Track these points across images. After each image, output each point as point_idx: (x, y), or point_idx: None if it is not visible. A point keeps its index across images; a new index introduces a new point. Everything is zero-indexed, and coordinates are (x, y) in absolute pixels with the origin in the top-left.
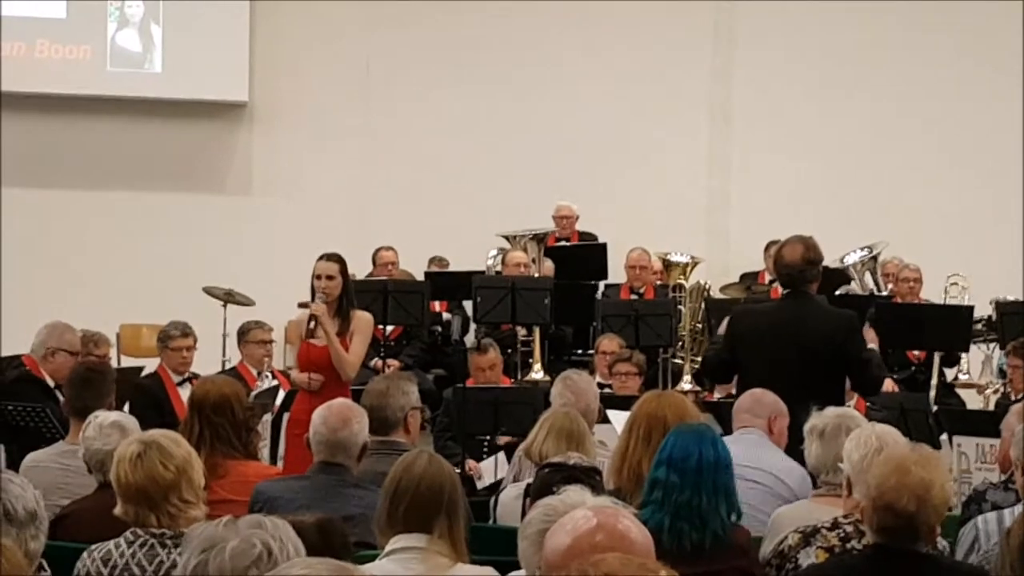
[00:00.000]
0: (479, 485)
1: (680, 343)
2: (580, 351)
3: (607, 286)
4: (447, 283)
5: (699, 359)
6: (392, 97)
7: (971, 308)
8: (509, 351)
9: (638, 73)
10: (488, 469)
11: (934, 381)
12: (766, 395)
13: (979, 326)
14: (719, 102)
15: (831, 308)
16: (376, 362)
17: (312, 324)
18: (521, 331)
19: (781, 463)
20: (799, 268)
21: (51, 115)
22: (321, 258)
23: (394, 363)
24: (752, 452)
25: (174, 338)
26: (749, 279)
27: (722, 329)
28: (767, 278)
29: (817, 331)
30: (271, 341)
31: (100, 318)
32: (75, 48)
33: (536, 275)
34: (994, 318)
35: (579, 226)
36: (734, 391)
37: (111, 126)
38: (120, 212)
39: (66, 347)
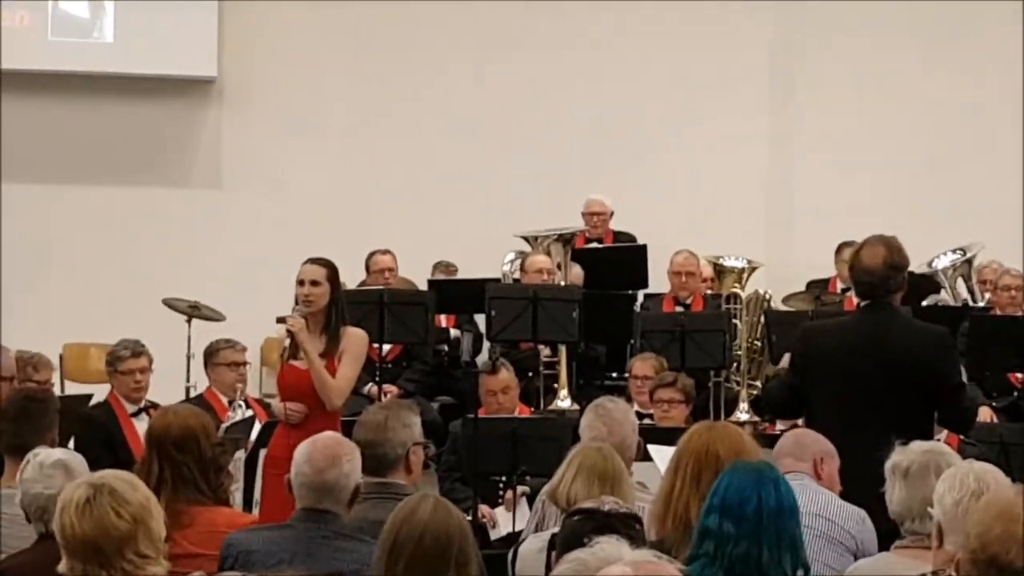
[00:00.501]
0: (494, 535)
1: (735, 364)
2: (615, 374)
3: (647, 296)
4: (455, 293)
5: (757, 383)
6: (392, 75)
7: None
8: (530, 375)
9: (684, 45)
10: (505, 516)
11: None
12: (808, 435)
13: None
14: (782, 78)
15: (918, 322)
16: (371, 388)
17: (289, 342)
18: (544, 351)
19: (834, 504)
20: (881, 275)
21: None
22: (306, 262)
23: (392, 389)
24: (799, 498)
25: (123, 359)
26: (817, 287)
27: (786, 361)
28: (839, 286)
29: (902, 350)
30: (245, 363)
31: (39, 337)
32: (10, 15)
33: (562, 283)
34: None
35: (613, 224)
36: (801, 422)
37: (52, 106)
38: (63, 209)
39: (2, 372)
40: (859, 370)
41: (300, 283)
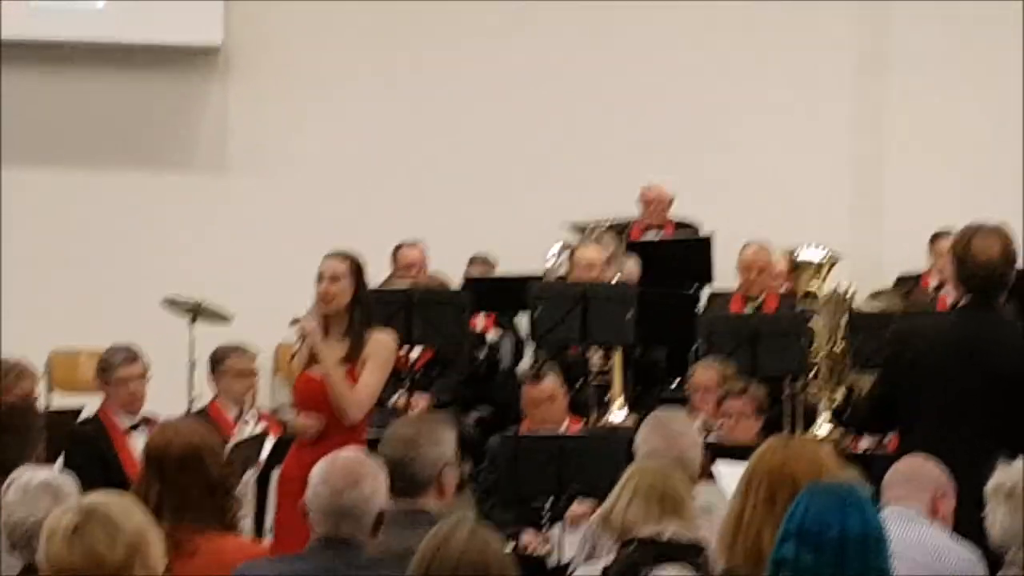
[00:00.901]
0: (551, 562)
1: (814, 371)
2: (676, 382)
3: (712, 294)
4: (493, 291)
5: (838, 393)
6: (422, 41)
7: None
8: (579, 384)
9: (760, 14)
10: (560, 539)
11: None
12: (926, 464)
13: None
14: (870, 49)
15: None
16: (398, 399)
17: (299, 346)
18: (595, 356)
19: (944, 541)
20: (1000, 269)
21: None
22: (326, 256)
23: (422, 400)
24: (901, 528)
25: (115, 367)
26: (908, 284)
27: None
28: (932, 282)
29: (1011, 355)
30: (255, 372)
31: (23, 342)
32: None
33: (615, 279)
34: None
35: (674, 212)
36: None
37: (35, 80)
38: (48, 197)
39: None
40: (960, 378)
41: (319, 279)
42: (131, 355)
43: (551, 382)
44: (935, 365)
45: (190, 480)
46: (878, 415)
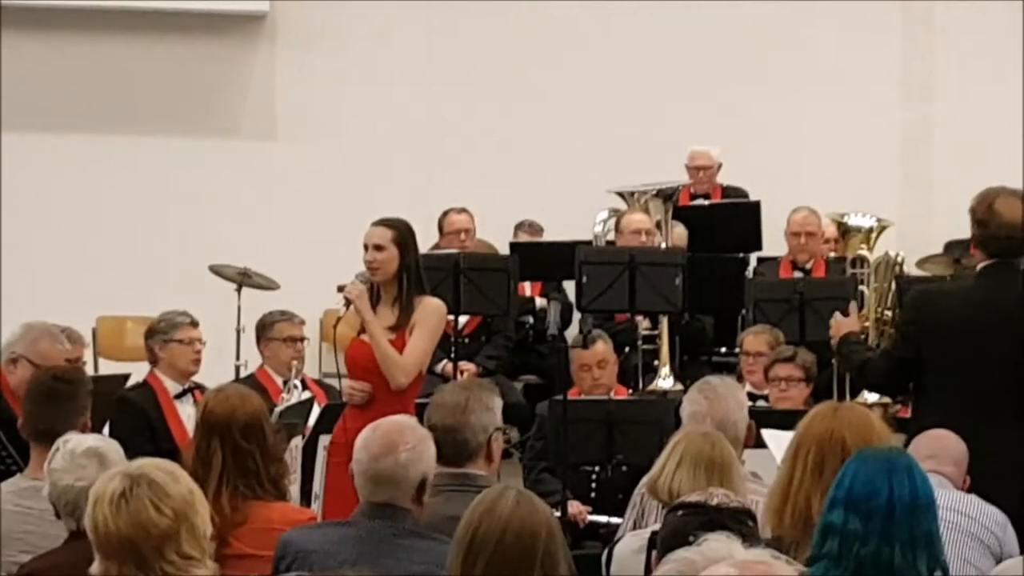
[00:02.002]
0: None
1: (863, 336)
2: (724, 349)
3: (760, 260)
4: (541, 257)
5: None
6: (467, 4)
7: None
8: (627, 350)
9: None
10: None
11: None
12: (948, 437)
13: None
14: (918, 8)
15: None
16: (445, 366)
17: (345, 311)
18: (643, 323)
19: (975, 503)
20: (1022, 231)
21: None
22: (372, 224)
23: (469, 367)
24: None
25: (181, 326)
26: (958, 249)
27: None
28: None
29: None
30: (302, 339)
31: (70, 309)
32: None
33: (663, 245)
34: None
35: (722, 178)
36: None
37: (79, 47)
38: (93, 164)
39: (34, 357)
40: (987, 343)
41: (364, 248)
42: (192, 318)
43: (603, 346)
44: (960, 329)
45: (253, 448)
46: (896, 376)
